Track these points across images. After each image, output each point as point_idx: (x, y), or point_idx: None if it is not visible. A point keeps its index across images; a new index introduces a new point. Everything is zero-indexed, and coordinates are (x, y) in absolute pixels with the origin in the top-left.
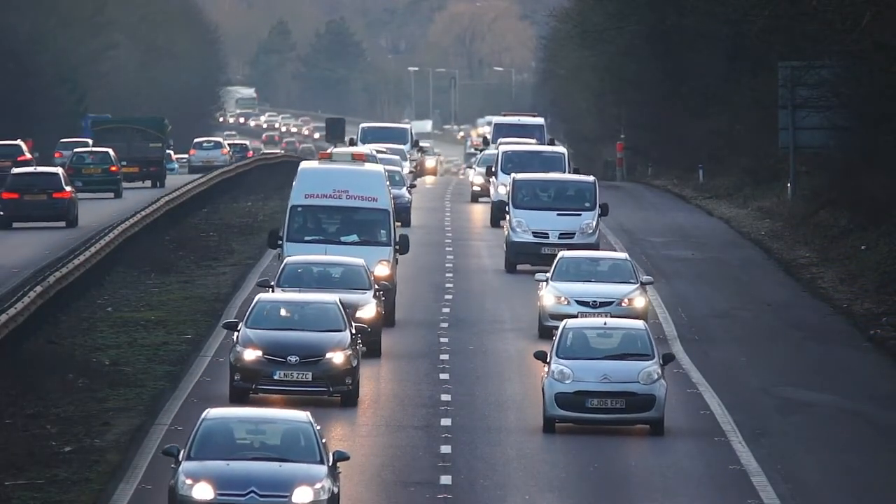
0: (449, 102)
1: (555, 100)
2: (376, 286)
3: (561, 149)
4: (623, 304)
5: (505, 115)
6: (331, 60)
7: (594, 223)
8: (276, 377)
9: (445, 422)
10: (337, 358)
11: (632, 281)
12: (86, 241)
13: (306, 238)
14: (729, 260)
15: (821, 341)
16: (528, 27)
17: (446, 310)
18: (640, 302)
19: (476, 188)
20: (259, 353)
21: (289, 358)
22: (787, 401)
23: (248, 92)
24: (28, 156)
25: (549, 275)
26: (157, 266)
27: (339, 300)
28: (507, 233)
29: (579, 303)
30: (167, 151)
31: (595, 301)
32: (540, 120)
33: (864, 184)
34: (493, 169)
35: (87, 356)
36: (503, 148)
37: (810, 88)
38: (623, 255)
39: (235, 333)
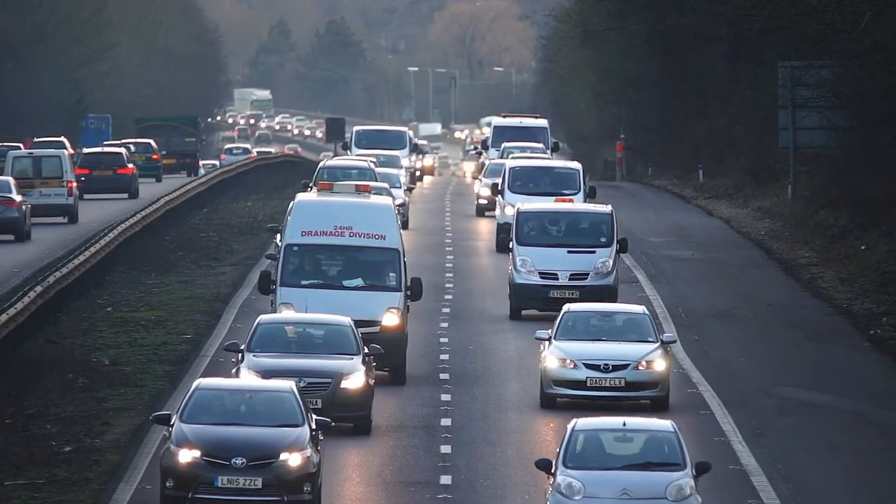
0: (449, 102)
1: (555, 100)
2: (366, 349)
3: (575, 164)
4: (640, 368)
5: (505, 117)
6: (331, 60)
7: (611, 261)
8: (217, 484)
9: (445, 422)
10: (293, 460)
11: (650, 339)
12: (86, 241)
13: (303, 282)
14: (729, 260)
15: (821, 341)
16: (528, 27)
17: (446, 310)
18: (660, 365)
19: (482, 201)
20: (197, 453)
21: (234, 461)
22: (787, 401)
23: (264, 93)
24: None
25: (551, 332)
26: (157, 266)
27: (295, 387)
28: (510, 272)
29: (588, 366)
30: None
31: (607, 364)
32: (543, 122)
33: (864, 184)
34: (500, 187)
35: (87, 356)
36: (510, 163)
37: (810, 88)
38: (639, 308)
39: (168, 428)
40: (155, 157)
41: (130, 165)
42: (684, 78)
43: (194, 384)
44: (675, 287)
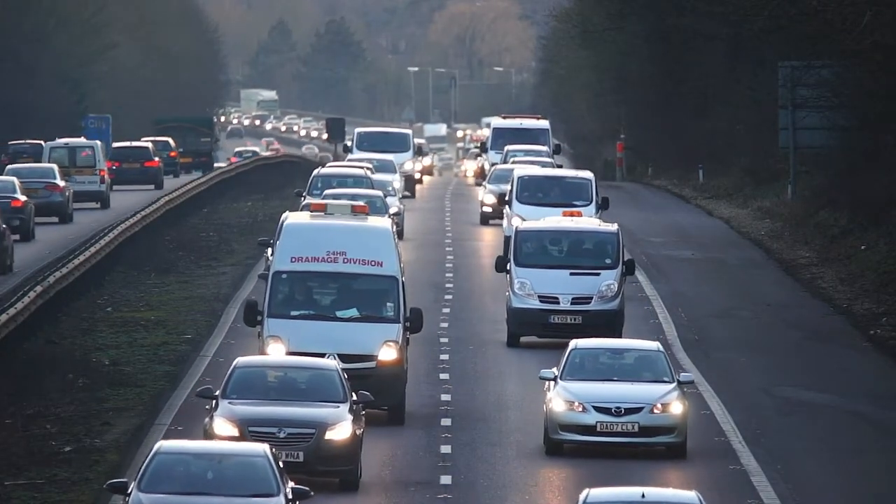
0: (449, 102)
1: (555, 100)
2: (354, 396)
3: (587, 174)
4: (655, 411)
5: (505, 118)
6: (331, 60)
7: (616, 285)
8: None
9: (445, 422)
10: None
11: (666, 379)
12: (86, 241)
13: (293, 313)
14: (729, 260)
15: (821, 341)
16: (528, 27)
17: (446, 310)
18: (677, 408)
19: (486, 208)
20: None
21: None
22: (787, 401)
23: (270, 94)
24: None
25: (557, 371)
26: (157, 266)
27: (269, 451)
28: (507, 296)
29: (598, 409)
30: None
31: (619, 407)
32: (544, 123)
33: (864, 184)
34: (507, 197)
35: (87, 356)
36: (519, 172)
37: (810, 88)
38: (654, 344)
39: (125, 498)
40: (173, 154)
41: (156, 159)
42: (684, 78)
43: (155, 446)
44: (675, 287)
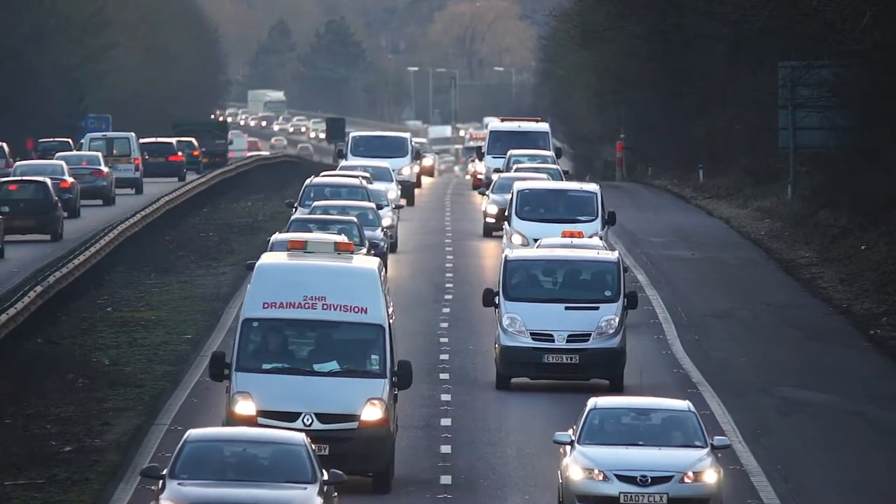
0: (449, 102)
1: (555, 100)
2: (325, 476)
3: (592, 187)
4: (686, 480)
5: (504, 121)
6: (331, 60)
7: (617, 320)
8: None
9: (445, 422)
10: None
11: (698, 444)
12: (86, 241)
13: (264, 366)
14: (729, 260)
15: (821, 341)
16: (528, 27)
17: (446, 310)
18: (710, 476)
19: (490, 220)
20: None
21: None
22: (787, 401)
23: (277, 95)
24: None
25: (573, 434)
26: (157, 266)
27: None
28: (497, 333)
29: (621, 478)
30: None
31: (644, 476)
32: (544, 126)
33: (864, 184)
34: (507, 212)
35: (87, 356)
36: (519, 186)
37: (810, 88)
38: (684, 403)
39: None
40: (196, 153)
41: (179, 153)
42: (684, 78)
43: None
44: (675, 287)
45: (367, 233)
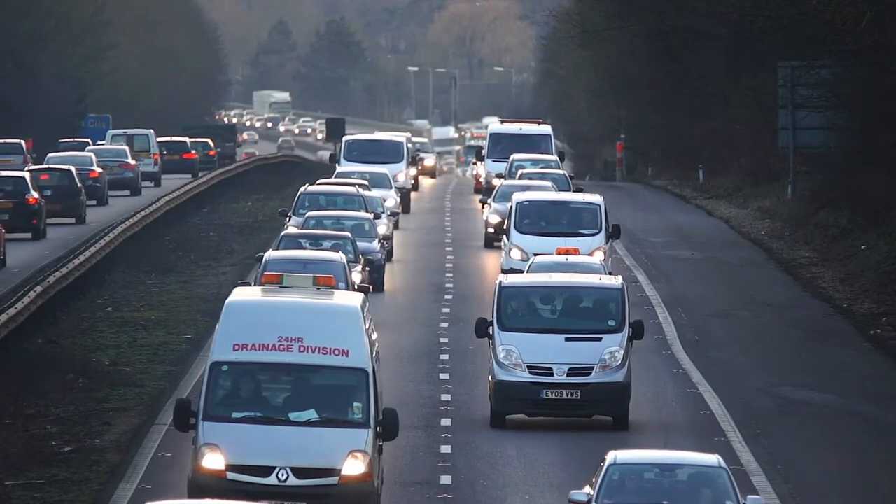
0: (449, 102)
1: (555, 100)
2: None
3: (595, 198)
4: None
5: (503, 122)
6: (331, 60)
7: (622, 352)
8: None
9: (445, 422)
10: None
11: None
12: (86, 241)
13: (234, 415)
14: (729, 260)
15: (821, 341)
16: (528, 27)
17: (446, 310)
18: None
19: (491, 230)
20: None
21: None
22: (787, 401)
23: (283, 96)
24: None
25: (592, 493)
26: (157, 266)
27: None
28: (490, 366)
29: None
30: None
31: None
32: (546, 128)
33: (864, 184)
34: (506, 224)
35: (87, 356)
36: (518, 197)
37: (810, 88)
38: (713, 458)
39: None
40: (212, 153)
41: (193, 151)
42: (684, 78)
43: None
44: (675, 287)
45: (364, 245)
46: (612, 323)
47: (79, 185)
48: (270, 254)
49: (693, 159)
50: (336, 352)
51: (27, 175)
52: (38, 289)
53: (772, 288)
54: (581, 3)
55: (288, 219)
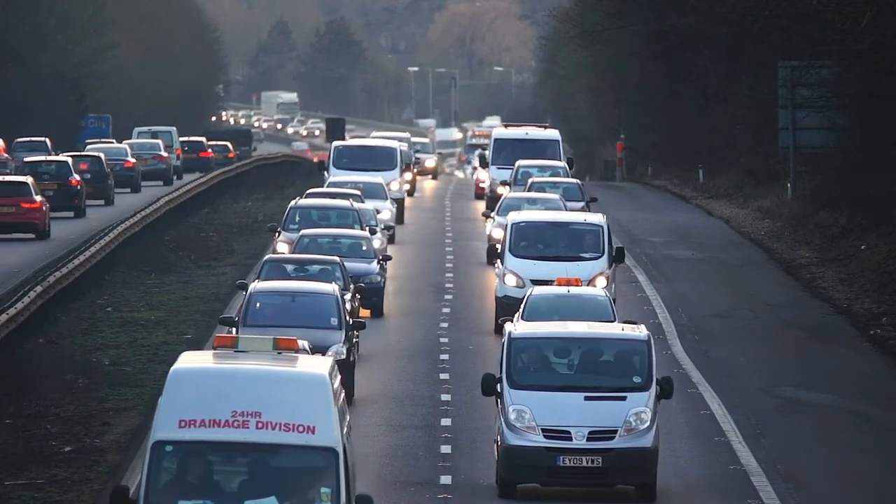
0: (449, 102)
1: (555, 100)
2: None
3: (598, 218)
4: None
5: (508, 126)
6: (331, 60)
7: (649, 412)
8: None
9: (445, 422)
10: None
11: None
12: (86, 241)
13: (181, 503)
14: (729, 260)
15: (821, 341)
16: (528, 27)
17: (446, 310)
18: None
19: (494, 243)
20: None
21: None
22: (787, 401)
23: (290, 96)
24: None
25: None
26: (157, 266)
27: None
28: (498, 426)
29: None
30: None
31: None
32: (554, 133)
33: (864, 184)
34: (500, 248)
35: (87, 356)
36: (514, 217)
37: (810, 88)
38: None
39: None
40: (231, 155)
41: (209, 150)
42: (684, 78)
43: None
44: (675, 287)
45: (362, 266)
46: (637, 380)
47: (107, 170)
48: (256, 285)
49: (693, 159)
50: (300, 428)
51: (69, 160)
52: (38, 289)
53: (772, 288)
54: (581, 4)
55: (277, 234)
